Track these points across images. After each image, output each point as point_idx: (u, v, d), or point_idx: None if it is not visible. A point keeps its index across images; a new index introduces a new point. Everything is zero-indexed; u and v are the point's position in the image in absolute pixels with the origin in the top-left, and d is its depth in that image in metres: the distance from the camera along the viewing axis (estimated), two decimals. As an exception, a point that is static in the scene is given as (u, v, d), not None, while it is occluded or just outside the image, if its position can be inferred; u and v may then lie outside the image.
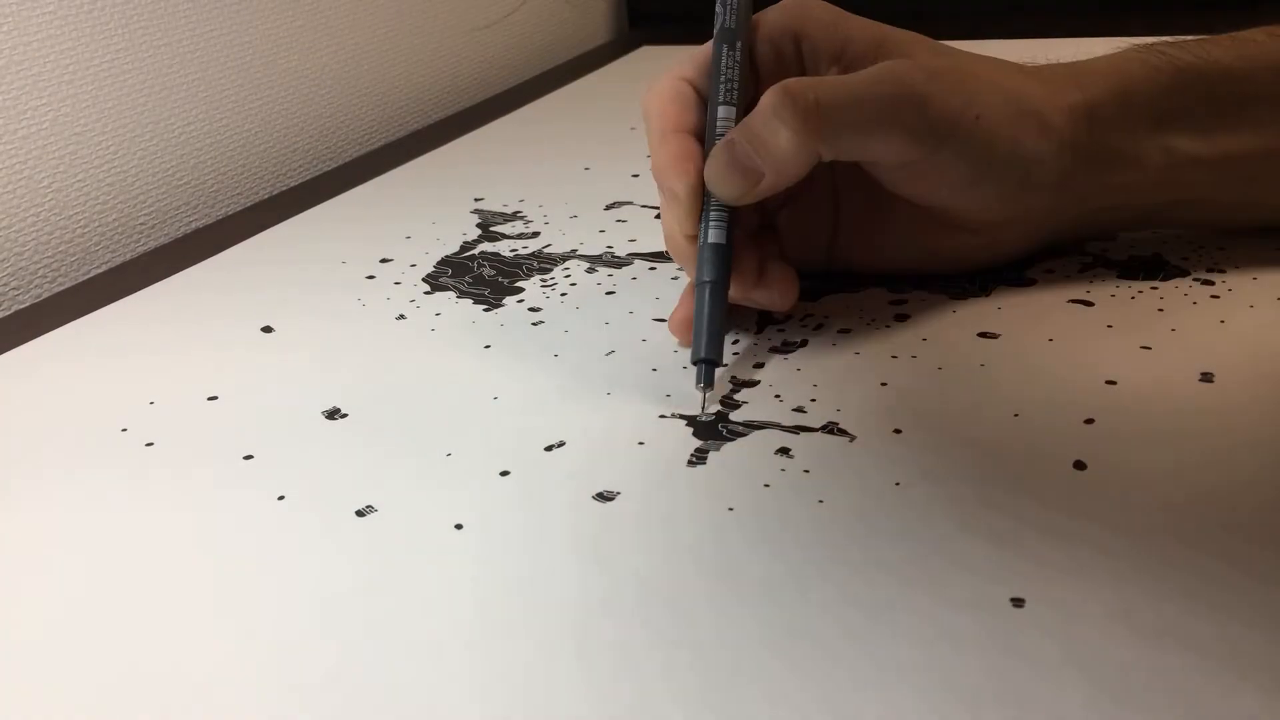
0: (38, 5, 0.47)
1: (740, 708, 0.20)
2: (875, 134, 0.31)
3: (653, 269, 0.40)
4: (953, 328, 0.34)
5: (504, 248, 0.44)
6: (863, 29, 0.34)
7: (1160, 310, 0.34)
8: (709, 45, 0.35)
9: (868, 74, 0.32)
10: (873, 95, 0.31)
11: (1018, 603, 0.22)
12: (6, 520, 0.28)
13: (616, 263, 0.41)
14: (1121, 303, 0.34)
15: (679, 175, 0.32)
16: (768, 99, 0.31)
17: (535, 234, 0.45)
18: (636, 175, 0.52)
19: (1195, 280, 0.35)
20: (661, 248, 0.42)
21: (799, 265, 0.35)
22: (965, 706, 0.20)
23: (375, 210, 0.50)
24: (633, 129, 0.60)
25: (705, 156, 0.32)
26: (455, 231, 0.46)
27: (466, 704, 0.21)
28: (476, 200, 0.50)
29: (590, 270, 0.41)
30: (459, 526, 0.26)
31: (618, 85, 0.72)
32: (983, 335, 0.33)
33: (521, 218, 0.47)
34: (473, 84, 0.75)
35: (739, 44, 0.34)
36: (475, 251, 0.44)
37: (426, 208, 0.50)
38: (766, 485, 0.27)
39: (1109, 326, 0.33)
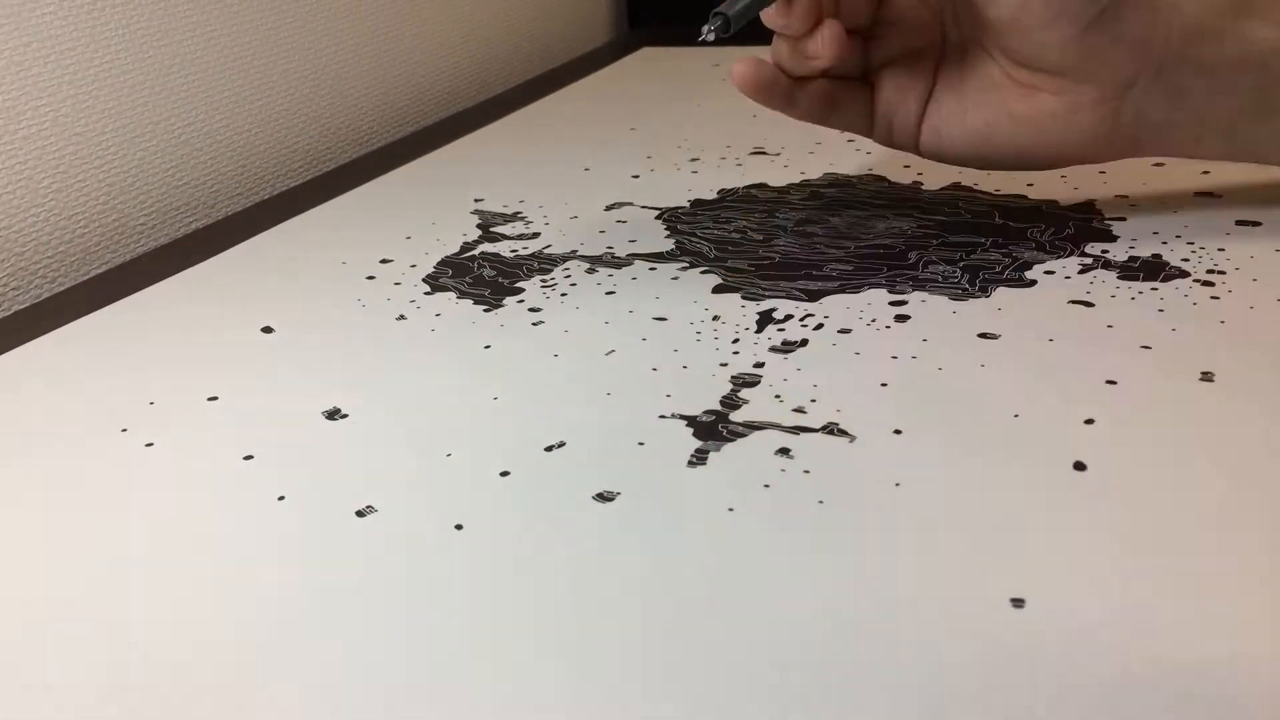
0: (38, 5, 0.47)
1: (741, 709, 0.20)
2: None
3: (653, 269, 0.40)
4: (953, 328, 0.34)
5: (504, 248, 0.44)
6: None
7: (1161, 311, 0.34)
8: None
9: None
10: None
11: (1017, 603, 0.22)
12: (6, 520, 0.28)
13: (616, 263, 0.41)
14: (1122, 303, 0.34)
15: None
16: None
17: (535, 234, 0.45)
18: (636, 176, 0.52)
19: (1196, 281, 0.35)
20: (662, 248, 0.42)
21: (888, 133, 0.41)
22: (964, 706, 0.20)
23: (375, 211, 0.50)
24: (633, 129, 0.60)
25: None
26: (455, 232, 0.46)
27: (467, 704, 0.21)
28: (476, 201, 0.50)
29: (590, 270, 0.41)
30: (459, 527, 0.26)
31: (618, 86, 0.71)
32: (983, 336, 0.33)
33: (522, 218, 0.47)
34: (473, 85, 0.75)
35: None
36: (475, 252, 0.44)
37: (426, 208, 0.50)
38: (766, 486, 0.27)
39: (1109, 327, 0.33)
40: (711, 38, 0.34)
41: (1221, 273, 0.36)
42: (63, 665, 0.23)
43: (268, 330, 0.38)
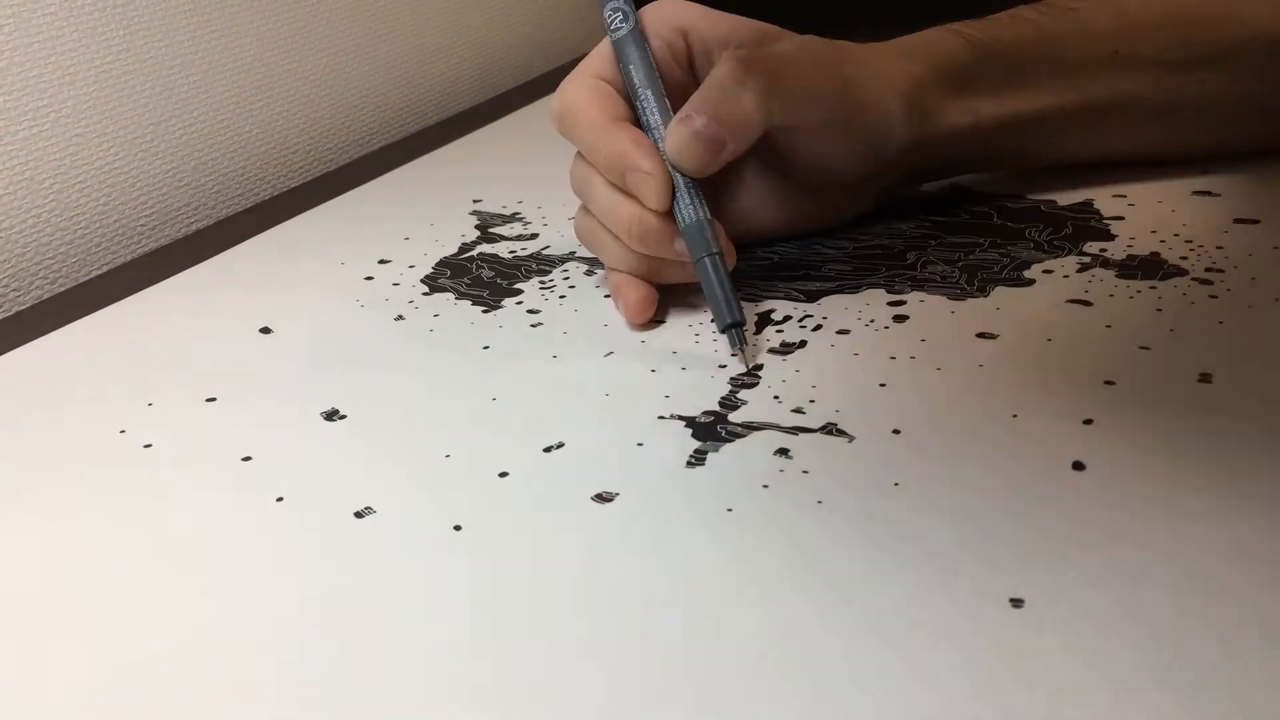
0: (38, 5, 0.47)
1: (741, 708, 0.20)
2: (811, 98, 0.35)
3: (651, 270, 0.40)
4: (951, 328, 0.34)
5: (503, 249, 0.44)
6: (737, 22, 0.37)
7: (1159, 310, 0.33)
8: (605, 45, 0.37)
9: (791, 48, 0.36)
10: (808, 63, 0.36)
11: (1017, 603, 0.22)
12: (6, 522, 0.28)
13: (615, 264, 0.41)
14: (1120, 303, 0.34)
15: (646, 155, 0.34)
16: (723, 69, 0.34)
17: (534, 235, 0.45)
18: (635, 176, 0.51)
19: (1194, 280, 0.35)
20: (660, 249, 0.42)
21: None
22: (963, 706, 0.20)
23: (373, 212, 0.50)
24: (631, 130, 0.60)
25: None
26: (454, 233, 0.46)
27: (467, 705, 0.21)
28: (475, 202, 0.50)
29: (589, 272, 0.41)
30: (458, 528, 0.26)
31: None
32: (981, 335, 0.33)
33: (520, 219, 0.47)
34: (472, 85, 0.75)
35: (643, 36, 0.36)
36: (474, 253, 0.44)
37: (424, 209, 0.49)
38: (765, 486, 0.27)
39: (1108, 327, 0.33)
40: (746, 354, 0.33)
41: (1220, 271, 0.36)
42: (62, 667, 0.23)
43: (266, 331, 0.38)
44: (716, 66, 0.34)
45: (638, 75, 0.36)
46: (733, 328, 0.33)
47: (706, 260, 0.33)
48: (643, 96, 0.35)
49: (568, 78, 0.37)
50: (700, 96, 0.34)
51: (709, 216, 0.34)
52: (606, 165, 0.34)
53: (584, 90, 0.36)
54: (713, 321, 0.34)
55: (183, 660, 0.23)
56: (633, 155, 0.33)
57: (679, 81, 0.37)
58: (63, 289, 0.48)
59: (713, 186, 0.38)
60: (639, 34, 0.36)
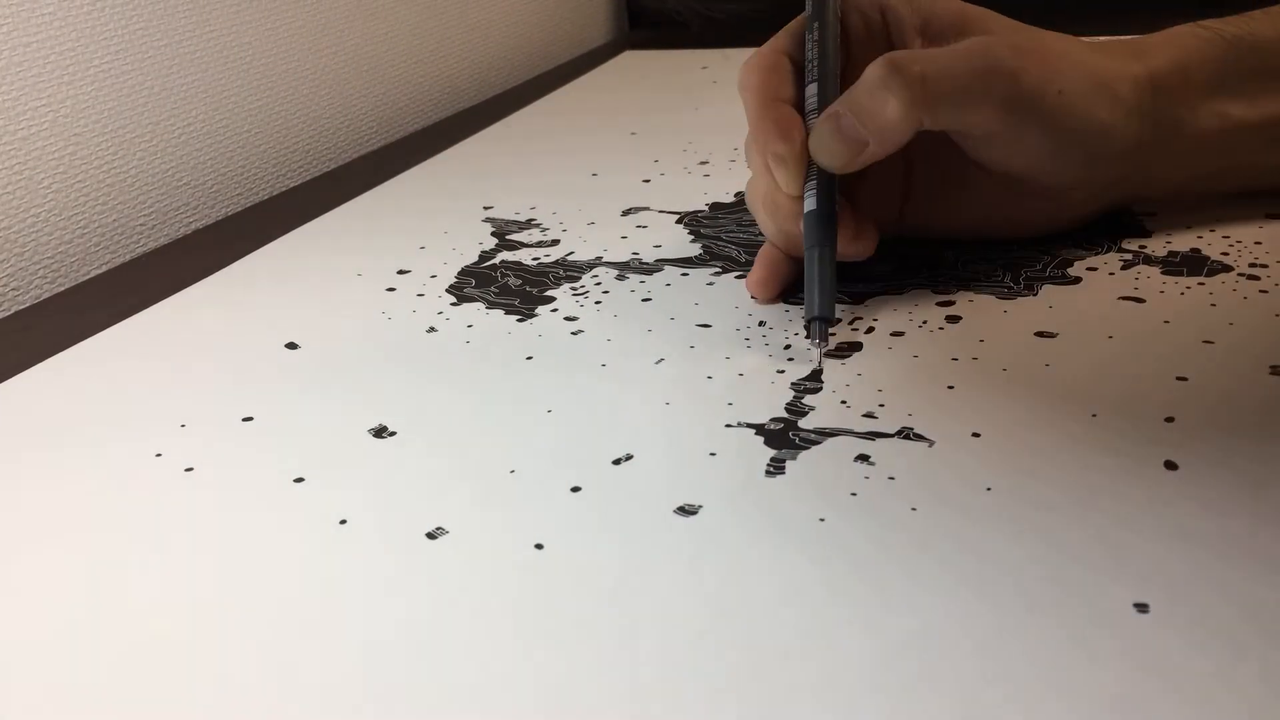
0: (38, 5, 0.45)
1: (878, 728, 0.19)
2: (971, 105, 0.33)
3: (685, 275, 0.40)
4: (1007, 328, 0.33)
5: (525, 256, 0.43)
6: (944, 4, 0.36)
7: (1213, 305, 0.33)
8: (803, 17, 0.36)
9: (962, 48, 0.34)
10: (969, 69, 0.33)
11: (1142, 608, 0.22)
12: (51, 558, 0.27)
13: (646, 269, 0.40)
14: (1172, 298, 0.34)
15: (785, 141, 0.34)
16: (874, 71, 0.32)
17: (555, 241, 0.44)
18: (647, 180, 0.51)
19: (1240, 275, 0.35)
20: (690, 253, 0.42)
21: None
22: (1102, 716, 0.19)
23: (382, 221, 0.49)
24: (633, 134, 0.59)
25: (804, 124, 0.34)
26: (470, 240, 0.45)
27: (587, 735, 0.20)
28: (486, 209, 0.49)
29: (620, 277, 0.40)
30: (539, 546, 0.25)
31: (607, 91, 0.71)
32: (1040, 335, 0.33)
33: (536, 225, 0.46)
34: (472, 85, 0.74)
35: (832, 18, 0.36)
36: (496, 260, 0.43)
37: (435, 217, 0.48)
38: (854, 494, 0.26)
39: (1166, 322, 0.33)
40: (821, 351, 0.32)
41: (1264, 266, 0.36)
42: (127, 712, 0.21)
43: (292, 346, 0.37)
44: (870, 66, 0.33)
45: (812, 54, 0.36)
46: (817, 321, 0.32)
47: (813, 251, 0.33)
48: (809, 78, 0.35)
49: (758, 48, 0.37)
50: (850, 95, 0.33)
51: (831, 209, 0.33)
52: (754, 142, 0.35)
53: (756, 64, 0.36)
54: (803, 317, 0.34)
55: (270, 700, 0.21)
56: (773, 139, 0.34)
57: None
58: (63, 288, 0.47)
59: (909, 173, 0.38)
60: (834, 8, 0.36)
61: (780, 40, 0.37)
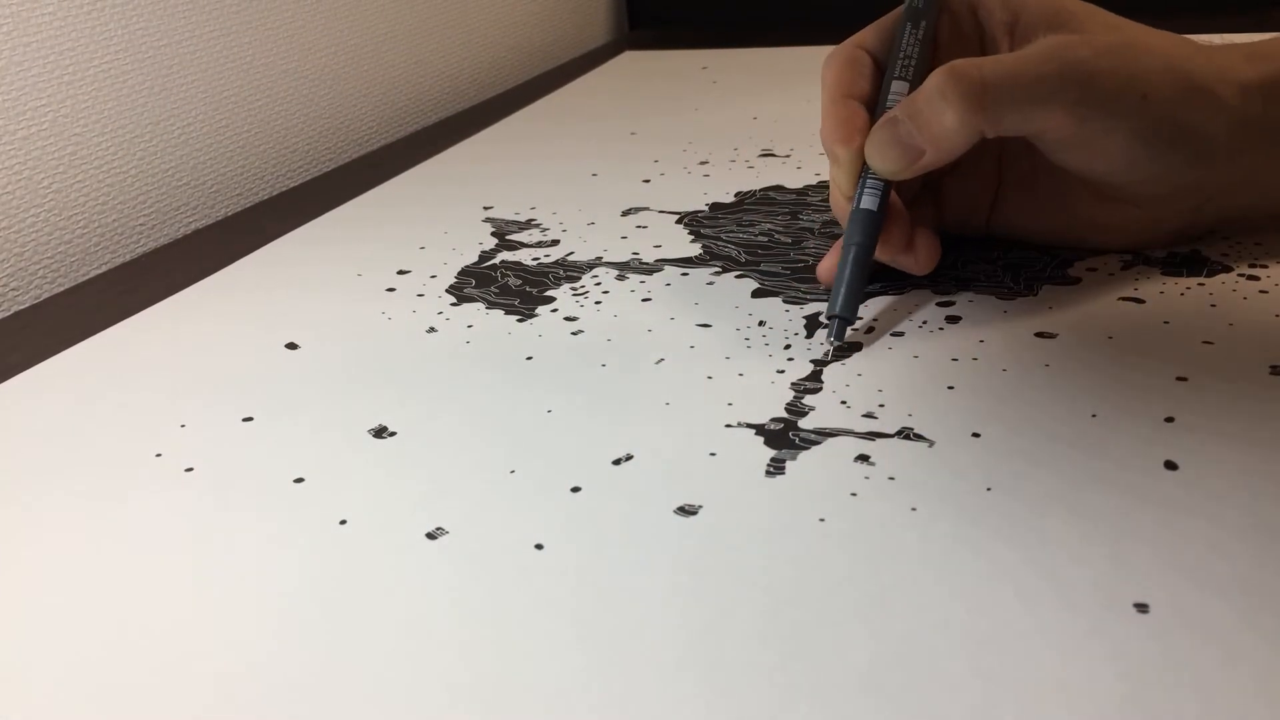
0: (38, 5, 0.45)
1: (879, 728, 0.19)
2: (1038, 111, 0.32)
3: (685, 275, 0.40)
4: (1007, 328, 0.33)
5: (525, 256, 0.43)
6: (1038, 0, 0.35)
7: (1213, 306, 0.33)
8: (894, 15, 0.36)
9: (1034, 51, 0.33)
10: (1037, 73, 0.32)
11: (1142, 608, 0.22)
12: (54, 563, 0.27)
13: (646, 269, 0.40)
14: (1171, 299, 0.34)
15: (842, 141, 0.34)
16: (934, 79, 0.32)
17: (555, 241, 0.44)
18: (647, 180, 0.51)
19: (1240, 276, 0.35)
20: (690, 253, 0.42)
21: (959, 229, 0.38)
22: (1114, 712, 0.19)
23: (381, 221, 0.49)
24: (633, 134, 0.59)
25: (870, 124, 0.34)
26: (470, 241, 0.45)
27: (587, 735, 0.20)
28: (486, 209, 0.49)
29: (621, 277, 0.40)
30: (539, 546, 0.25)
31: (607, 91, 0.71)
32: (1040, 335, 0.33)
33: (536, 225, 0.46)
34: (472, 85, 0.74)
35: (924, 22, 0.35)
36: (496, 261, 0.43)
37: (435, 217, 0.48)
38: (854, 494, 0.26)
39: (1165, 323, 0.33)
40: (831, 349, 0.32)
41: (1264, 266, 0.36)
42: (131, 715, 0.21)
43: (292, 347, 0.37)
44: (933, 73, 0.32)
45: (892, 55, 0.35)
46: (836, 319, 0.32)
47: (848, 249, 0.34)
48: (886, 79, 0.35)
49: (842, 43, 0.37)
50: (910, 101, 0.32)
51: (878, 211, 0.34)
52: (823, 136, 0.35)
53: (835, 59, 0.36)
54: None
55: (273, 702, 0.21)
56: (832, 137, 0.34)
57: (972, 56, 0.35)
58: (63, 288, 0.47)
59: (1000, 173, 0.38)
60: (919, 12, 0.35)
61: (864, 35, 0.36)
